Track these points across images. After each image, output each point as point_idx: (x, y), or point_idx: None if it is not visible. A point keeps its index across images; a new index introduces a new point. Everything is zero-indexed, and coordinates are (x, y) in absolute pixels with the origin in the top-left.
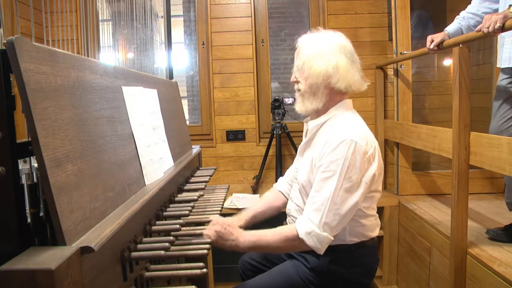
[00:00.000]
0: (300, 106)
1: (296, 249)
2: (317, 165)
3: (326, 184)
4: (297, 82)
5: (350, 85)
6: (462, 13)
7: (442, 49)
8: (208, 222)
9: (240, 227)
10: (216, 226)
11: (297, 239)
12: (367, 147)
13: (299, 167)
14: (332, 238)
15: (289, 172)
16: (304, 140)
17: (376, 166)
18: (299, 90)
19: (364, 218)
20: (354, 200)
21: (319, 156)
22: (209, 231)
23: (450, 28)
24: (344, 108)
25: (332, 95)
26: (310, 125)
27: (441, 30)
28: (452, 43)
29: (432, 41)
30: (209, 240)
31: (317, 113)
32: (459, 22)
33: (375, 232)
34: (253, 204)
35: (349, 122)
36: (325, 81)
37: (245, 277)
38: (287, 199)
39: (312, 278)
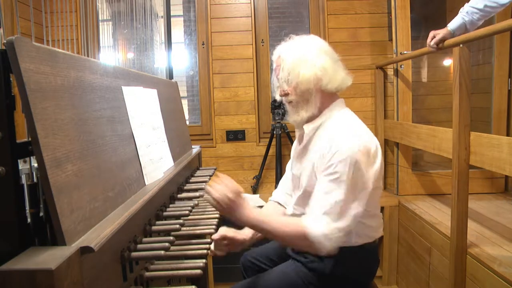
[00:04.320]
0: (295, 117)
1: (303, 248)
2: (320, 167)
3: (336, 186)
4: (286, 94)
5: (340, 84)
6: (466, 7)
7: (441, 48)
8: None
9: (244, 239)
10: (229, 191)
11: (309, 238)
12: (371, 146)
13: (302, 174)
14: (344, 239)
15: (284, 182)
16: (301, 145)
17: (378, 164)
18: (290, 102)
19: (369, 218)
20: (363, 201)
21: (323, 158)
22: (219, 196)
23: (453, 24)
24: (338, 108)
25: (324, 98)
26: (306, 129)
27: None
28: (452, 43)
29: (434, 37)
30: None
31: (311, 117)
32: (463, 18)
33: (379, 233)
34: (254, 203)
35: (349, 122)
36: (316, 85)
37: (246, 275)
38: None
39: (312, 279)
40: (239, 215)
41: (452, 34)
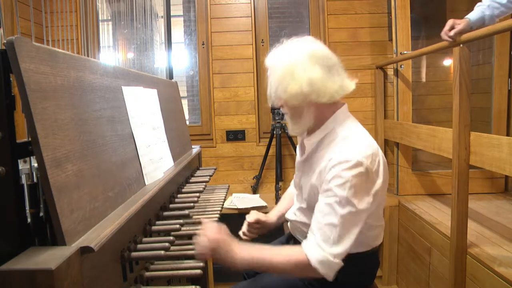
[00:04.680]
0: (292, 130)
1: (305, 275)
2: (320, 187)
3: (334, 211)
4: (282, 106)
5: (333, 95)
6: (486, 1)
7: (454, 43)
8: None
9: (272, 222)
10: (209, 241)
11: (308, 266)
12: (372, 165)
13: (303, 187)
14: (342, 264)
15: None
16: (302, 158)
17: (380, 182)
18: (286, 113)
19: (370, 230)
20: (361, 223)
21: (323, 179)
22: (202, 249)
23: (472, 15)
24: (341, 119)
25: (321, 109)
26: (306, 144)
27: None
28: (454, 43)
29: (452, 28)
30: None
31: (312, 128)
32: (482, 11)
33: (379, 240)
34: (254, 204)
35: (350, 139)
36: (305, 101)
37: (247, 276)
38: None
39: (312, 281)
40: (229, 258)
41: (471, 27)
